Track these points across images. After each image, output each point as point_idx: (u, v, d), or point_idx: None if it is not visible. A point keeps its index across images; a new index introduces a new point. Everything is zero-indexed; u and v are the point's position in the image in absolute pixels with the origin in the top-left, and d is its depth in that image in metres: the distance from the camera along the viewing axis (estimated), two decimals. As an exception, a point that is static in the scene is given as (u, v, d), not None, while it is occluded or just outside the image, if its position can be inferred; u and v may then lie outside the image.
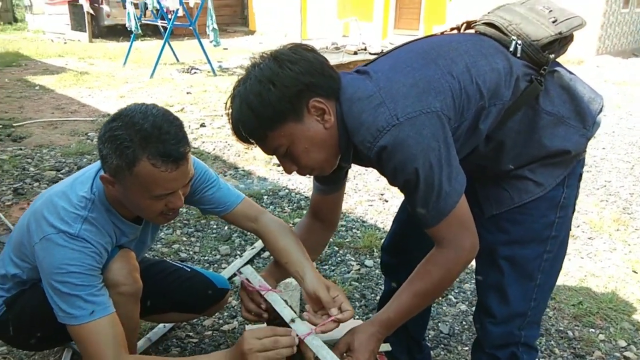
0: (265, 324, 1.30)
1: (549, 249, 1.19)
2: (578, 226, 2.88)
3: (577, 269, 2.43)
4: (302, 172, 1.14)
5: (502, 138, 1.12)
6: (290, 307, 1.21)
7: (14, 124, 4.56)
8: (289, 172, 1.13)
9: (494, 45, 1.13)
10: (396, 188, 1.10)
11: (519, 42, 1.10)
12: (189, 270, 1.73)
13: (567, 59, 8.97)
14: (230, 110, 1.08)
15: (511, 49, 1.11)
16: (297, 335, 1.11)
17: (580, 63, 8.94)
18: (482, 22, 1.19)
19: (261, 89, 1.01)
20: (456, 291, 2.26)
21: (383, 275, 1.69)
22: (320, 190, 1.33)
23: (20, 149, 3.89)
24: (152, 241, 1.60)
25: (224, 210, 1.48)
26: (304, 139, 1.06)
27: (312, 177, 1.30)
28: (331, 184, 1.31)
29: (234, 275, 2.27)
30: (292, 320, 1.15)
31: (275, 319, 1.22)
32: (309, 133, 1.05)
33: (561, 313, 2.12)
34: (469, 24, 1.23)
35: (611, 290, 2.26)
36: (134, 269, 1.34)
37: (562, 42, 1.12)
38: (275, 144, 1.07)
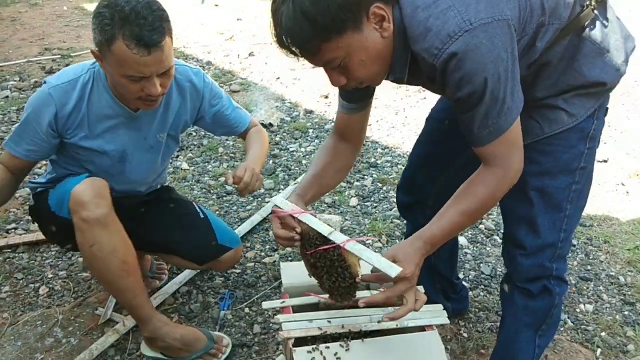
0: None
1: (578, 179, 1.19)
2: (645, 164, 2.68)
3: (637, 210, 2.29)
4: (351, 85, 1.06)
5: (544, 62, 1.10)
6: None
7: (72, 54, 4.68)
8: (337, 84, 1.04)
9: None
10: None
11: None
12: (201, 217, 1.70)
13: None
14: (279, 19, 0.94)
15: None
16: (338, 243, 1.12)
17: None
18: None
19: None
20: (502, 231, 2.18)
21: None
22: (348, 109, 1.25)
23: (78, 80, 4.01)
24: (158, 142, 1.56)
25: (240, 129, 1.69)
26: (361, 50, 0.97)
27: (340, 97, 1.25)
28: (360, 101, 1.24)
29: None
30: (330, 234, 1.14)
31: (308, 242, 1.20)
32: (366, 43, 0.97)
33: (614, 258, 2.02)
34: None
35: (674, 236, 2.12)
36: (99, 195, 1.36)
37: None
38: (330, 57, 0.97)
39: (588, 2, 1.07)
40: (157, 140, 1.55)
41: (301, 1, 0.90)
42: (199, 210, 1.73)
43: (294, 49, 0.96)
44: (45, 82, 1.42)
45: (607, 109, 1.21)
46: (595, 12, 1.08)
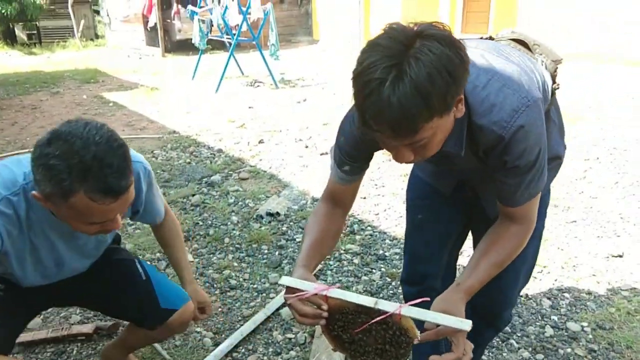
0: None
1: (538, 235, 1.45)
2: (663, 260, 2.59)
3: (661, 313, 2.17)
4: (415, 160, 1.03)
5: None
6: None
7: (87, 142, 4.81)
8: (404, 161, 1.00)
9: (531, 59, 1.24)
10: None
11: (544, 59, 1.26)
12: (143, 279, 1.57)
13: (627, 61, 8.23)
14: (384, 93, 0.86)
15: (540, 63, 1.25)
16: (389, 312, 1.08)
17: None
18: (509, 38, 1.29)
19: (437, 76, 0.86)
20: (519, 334, 2.08)
21: None
22: (346, 180, 1.26)
23: (91, 167, 4.09)
24: (98, 241, 1.46)
25: (157, 219, 1.58)
26: (444, 130, 0.98)
27: (337, 168, 1.25)
28: (359, 173, 1.27)
29: (282, 306, 2.23)
30: (376, 303, 1.09)
31: (343, 318, 1.14)
32: (447, 124, 0.98)
33: (640, 366, 1.89)
34: (491, 39, 1.31)
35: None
36: None
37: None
38: (420, 137, 0.93)
39: (554, 85, 1.25)
40: (97, 241, 1.47)
41: (416, 77, 0.85)
42: (141, 271, 1.59)
43: (390, 127, 0.89)
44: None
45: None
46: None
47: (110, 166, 1.07)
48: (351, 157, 1.22)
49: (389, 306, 1.08)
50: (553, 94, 1.25)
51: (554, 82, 1.26)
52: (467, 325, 1.04)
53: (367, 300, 1.10)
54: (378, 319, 1.08)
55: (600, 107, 5.67)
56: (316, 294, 1.12)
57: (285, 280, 1.15)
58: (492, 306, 1.49)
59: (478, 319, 1.23)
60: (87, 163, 1.05)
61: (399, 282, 2.42)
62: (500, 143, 1.04)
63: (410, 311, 1.07)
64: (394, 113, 0.86)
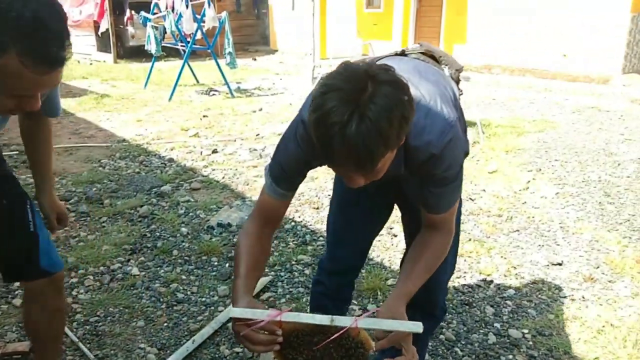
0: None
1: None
2: (597, 267, 2.72)
3: (595, 319, 2.28)
4: (366, 183, 1.08)
5: None
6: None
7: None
8: (357, 185, 1.06)
9: (440, 71, 1.37)
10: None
11: (449, 69, 1.42)
12: (30, 230, 1.42)
13: (592, 78, 8.73)
14: (347, 136, 0.91)
15: (447, 74, 1.41)
16: (347, 326, 1.10)
17: (606, 82, 8.68)
18: (419, 51, 1.42)
19: (394, 119, 0.94)
20: (463, 342, 2.13)
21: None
22: (281, 195, 1.29)
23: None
24: None
25: (56, 112, 1.47)
26: (392, 157, 1.05)
27: (274, 184, 1.28)
28: (296, 188, 1.32)
29: (229, 320, 2.20)
30: (332, 320, 1.11)
31: (290, 339, 1.15)
32: (395, 151, 1.04)
33: (576, 371, 1.97)
34: (403, 52, 1.43)
35: (632, 344, 2.10)
36: None
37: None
38: (377, 168, 1.00)
39: (459, 93, 1.41)
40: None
41: (376, 120, 0.91)
42: (30, 218, 1.43)
43: (354, 164, 0.96)
44: None
45: None
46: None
47: (52, 31, 0.93)
48: (292, 174, 1.27)
49: (345, 321, 1.10)
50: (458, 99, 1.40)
51: (458, 88, 1.43)
52: (419, 327, 1.11)
53: (322, 319, 1.11)
54: (336, 335, 1.09)
55: (546, 120, 5.93)
56: (271, 322, 1.12)
57: (236, 312, 1.13)
58: (429, 294, 1.55)
59: (417, 312, 1.33)
60: (26, 20, 0.90)
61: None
62: (431, 159, 1.16)
63: (366, 323, 1.10)
64: (358, 152, 0.93)
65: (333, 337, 1.10)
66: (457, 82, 1.45)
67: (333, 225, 1.67)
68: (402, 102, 0.95)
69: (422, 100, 1.15)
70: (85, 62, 11.33)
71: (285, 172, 1.25)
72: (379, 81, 0.95)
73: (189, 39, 7.49)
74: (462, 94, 1.44)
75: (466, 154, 1.46)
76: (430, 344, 2.11)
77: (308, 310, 1.85)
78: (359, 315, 1.17)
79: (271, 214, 1.33)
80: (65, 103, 6.77)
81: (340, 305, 1.75)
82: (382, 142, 0.94)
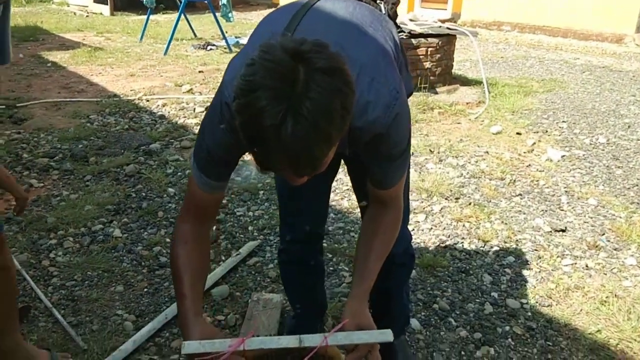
0: None
1: None
2: (603, 234, 2.59)
3: (598, 289, 2.16)
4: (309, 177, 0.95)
5: None
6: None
7: (18, 105, 4.45)
8: (299, 184, 0.93)
9: (376, 11, 1.24)
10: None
11: (385, 5, 1.35)
12: None
13: (605, 36, 8.37)
14: (285, 141, 0.78)
15: (384, 12, 1.32)
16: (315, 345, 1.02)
17: (619, 41, 8.32)
18: None
19: (334, 112, 0.80)
20: (457, 312, 2.02)
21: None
22: (213, 187, 1.13)
23: (19, 132, 3.78)
24: None
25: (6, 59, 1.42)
26: (335, 147, 0.90)
27: (204, 176, 1.12)
28: (228, 177, 1.16)
29: (214, 285, 2.09)
30: (301, 341, 1.02)
31: None
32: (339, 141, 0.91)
33: (576, 344, 1.86)
34: None
35: (636, 316, 1.99)
36: None
37: None
38: (322, 167, 0.89)
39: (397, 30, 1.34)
40: None
41: (314, 118, 0.77)
42: None
43: (292, 168, 0.84)
44: None
45: None
46: None
47: None
48: (223, 162, 1.10)
49: (315, 340, 1.03)
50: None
51: (395, 23, 1.36)
52: (390, 335, 1.06)
53: (290, 341, 1.02)
54: (307, 358, 1.00)
55: (555, 80, 5.69)
56: (236, 352, 0.98)
57: (192, 347, 0.98)
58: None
59: (385, 263, 1.24)
60: None
61: (340, 259, 2.33)
62: (377, 137, 1.07)
63: (336, 339, 1.04)
64: (297, 156, 0.80)
65: (303, 359, 1.01)
66: (395, 17, 1.33)
67: (279, 194, 1.57)
68: (340, 91, 0.80)
69: (363, 70, 1.00)
70: (81, 14, 10.95)
71: (214, 159, 1.09)
72: (311, 69, 0.78)
73: (184, -10, 7.15)
74: (399, 29, 1.33)
75: (410, 94, 1.36)
76: (422, 313, 2.01)
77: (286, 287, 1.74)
78: (330, 330, 1.07)
79: (203, 210, 1.16)
80: (57, 56, 6.54)
81: (312, 272, 1.70)
82: (323, 140, 0.81)
